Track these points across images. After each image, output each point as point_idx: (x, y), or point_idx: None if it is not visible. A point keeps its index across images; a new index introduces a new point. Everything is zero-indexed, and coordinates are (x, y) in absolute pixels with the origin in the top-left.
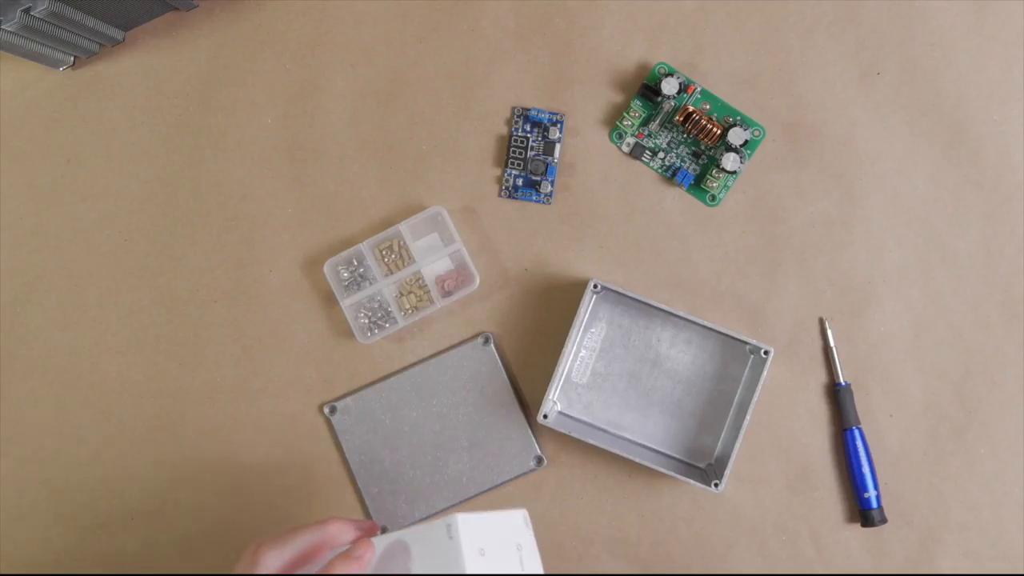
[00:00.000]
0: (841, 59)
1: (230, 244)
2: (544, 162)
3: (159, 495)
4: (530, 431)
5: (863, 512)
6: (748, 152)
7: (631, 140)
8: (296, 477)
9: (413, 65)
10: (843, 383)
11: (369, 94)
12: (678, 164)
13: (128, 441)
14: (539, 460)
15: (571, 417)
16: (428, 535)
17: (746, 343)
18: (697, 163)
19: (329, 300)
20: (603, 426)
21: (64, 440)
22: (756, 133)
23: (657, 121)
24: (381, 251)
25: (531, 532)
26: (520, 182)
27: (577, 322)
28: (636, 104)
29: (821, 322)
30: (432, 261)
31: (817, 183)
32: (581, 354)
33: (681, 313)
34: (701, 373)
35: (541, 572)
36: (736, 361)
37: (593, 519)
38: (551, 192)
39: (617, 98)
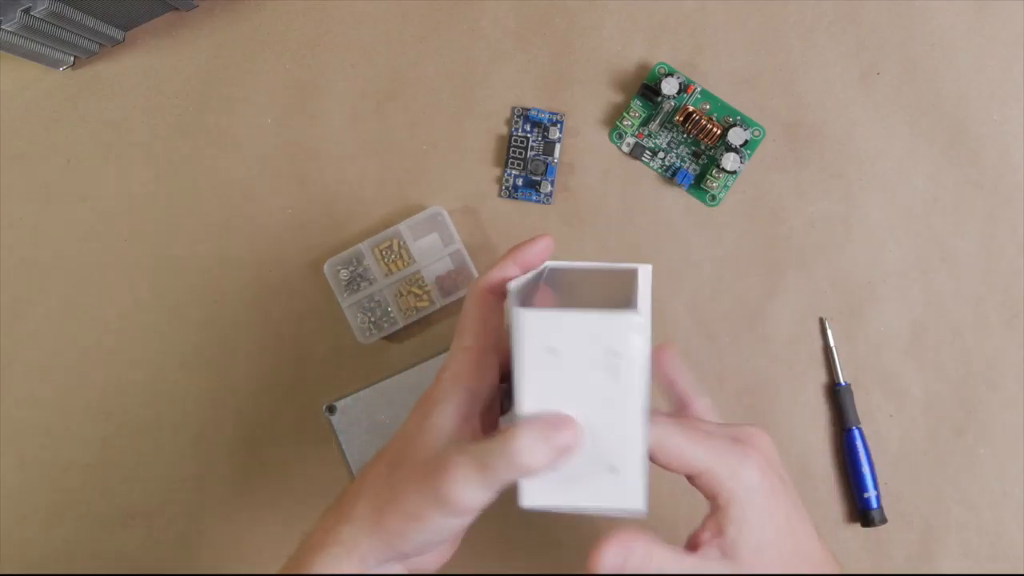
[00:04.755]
0: (841, 59)
1: (230, 244)
2: (544, 162)
3: (159, 495)
4: None
5: (863, 512)
6: (748, 152)
7: (631, 140)
8: (296, 477)
9: (413, 65)
10: (843, 383)
11: (369, 94)
12: (678, 164)
13: (128, 441)
14: None
15: None
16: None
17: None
18: (697, 163)
19: (329, 300)
20: None
21: (64, 440)
22: (756, 133)
23: (657, 121)
24: (381, 251)
25: (646, 341)
26: (520, 182)
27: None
28: (636, 104)
29: (821, 322)
30: (432, 261)
31: (817, 183)
32: None
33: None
34: None
35: (644, 391)
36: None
37: (593, 519)
38: (551, 192)
39: (617, 98)
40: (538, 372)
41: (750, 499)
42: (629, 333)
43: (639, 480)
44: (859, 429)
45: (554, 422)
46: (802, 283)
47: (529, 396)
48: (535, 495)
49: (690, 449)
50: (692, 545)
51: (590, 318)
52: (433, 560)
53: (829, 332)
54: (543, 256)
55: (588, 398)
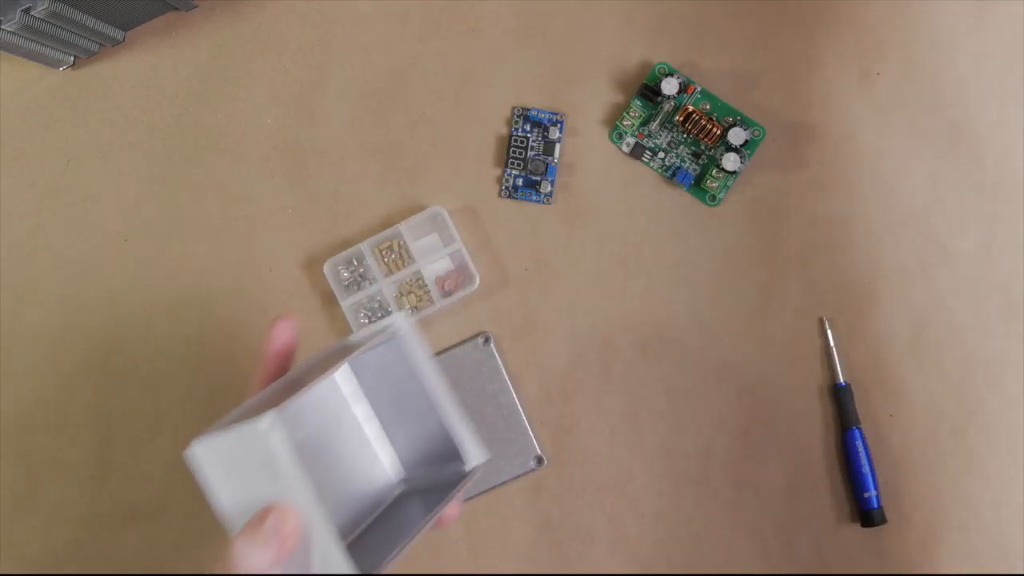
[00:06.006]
0: (841, 59)
1: (230, 244)
2: (544, 162)
3: (159, 495)
4: (530, 431)
5: (863, 512)
6: (748, 152)
7: (631, 140)
8: None
9: (413, 65)
10: (843, 383)
11: (369, 94)
12: (678, 164)
13: (128, 441)
14: (539, 460)
15: None
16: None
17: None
18: (697, 163)
19: (329, 300)
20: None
21: (64, 440)
22: (756, 133)
23: (657, 121)
24: (381, 251)
25: (285, 438)
26: (520, 182)
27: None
28: (636, 104)
29: (821, 322)
30: (432, 261)
31: (817, 183)
32: None
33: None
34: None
35: (304, 481)
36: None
37: (593, 519)
38: (551, 192)
39: (617, 98)
40: (228, 493)
41: None
42: (260, 443)
43: (344, 568)
44: (859, 429)
45: (258, 517)
46: (802, 283)
47: (231, 517)
48: None
49: None
50: None
51: (230, 437)
52: None
53: (829, 332)
54: (285, 337)
55: (275, 500)
